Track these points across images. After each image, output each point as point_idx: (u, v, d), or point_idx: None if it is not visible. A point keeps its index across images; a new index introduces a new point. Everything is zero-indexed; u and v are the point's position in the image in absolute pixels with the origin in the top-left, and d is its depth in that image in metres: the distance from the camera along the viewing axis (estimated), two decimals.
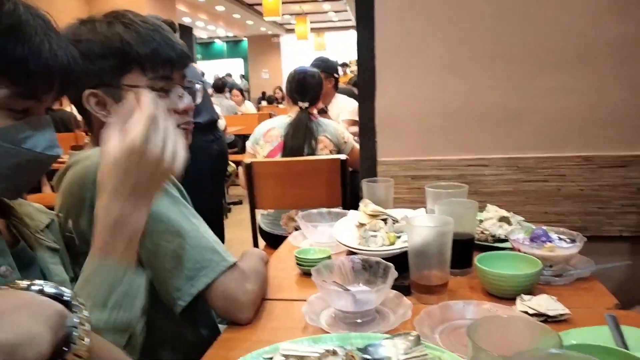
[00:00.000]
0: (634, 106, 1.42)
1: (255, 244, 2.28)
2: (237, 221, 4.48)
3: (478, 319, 0.53)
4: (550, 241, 1.07)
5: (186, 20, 12.17)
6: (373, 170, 1.56)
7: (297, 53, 16.00)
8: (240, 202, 5.24)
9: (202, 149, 3.25)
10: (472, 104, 1.49)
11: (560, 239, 1.09)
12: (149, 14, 2.20)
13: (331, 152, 2.34)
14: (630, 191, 1.46)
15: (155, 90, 0.91)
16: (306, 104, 2.34)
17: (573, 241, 1.08)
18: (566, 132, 1.46)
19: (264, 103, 8.17)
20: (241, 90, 7.39)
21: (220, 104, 5.64)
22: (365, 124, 1.55)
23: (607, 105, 1.43)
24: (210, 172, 3.00)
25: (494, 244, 1.21)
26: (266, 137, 2.40)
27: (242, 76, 13.41)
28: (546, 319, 0.86)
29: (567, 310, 0.87)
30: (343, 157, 2.09)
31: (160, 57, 0.91)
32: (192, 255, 0.86)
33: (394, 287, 0.98)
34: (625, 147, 1.44)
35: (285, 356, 0.72)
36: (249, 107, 7.14)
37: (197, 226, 0.90)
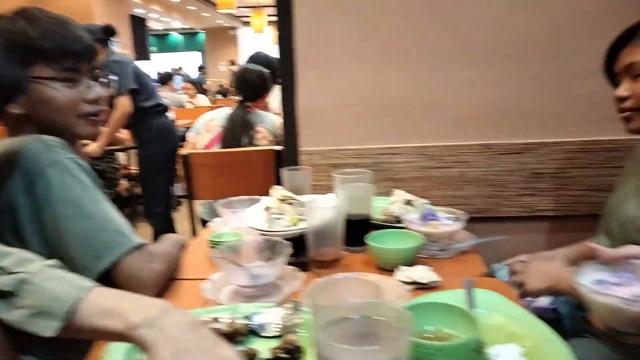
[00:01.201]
0: (527, 99, 1.57)
1: (195, 234, 2.35)
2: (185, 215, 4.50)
3: (318, 280, 0.63)
4: (436, 220, 1.20)
5: (139, 12, 11.89)
6: (296, 160, 1.66)
7: (255, 46, 15.87)
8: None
9: (169, 130, 3.34)
10: (384, 96, 1.60)
11: (446, 217, 1.22)
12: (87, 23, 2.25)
13: (270, 143, 2.43)
14: (525, 175, 1.62)
15: (61, 81, 0.97)
16: (240, 98, 2.45)
17: (457, 219, 1.21)
18: (468, 121, 1.60)
19: (219, 97, 8.14)
20: (192, 83, 7.34)
21: (166, 97, 5.61)
22: (288, 116, 1.63)
23: (504, 97, 1.57)
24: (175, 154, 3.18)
25: (396, 224, 1.33)
26: (207, 127, 2.48)
27: (200, 68, 13.17)
28: (420, 286, 0.98)
29: (438, 278, 0.99)
30: (277, 148, 2.19)
31: (65, 50, 0.97)
32: (99, 236, 0.93)
33: (294, 264, 1.08)
34: (520, 136, 1.59)
35: None
36: (201, 100, 7.10)
37: (106, 210, 0.96)
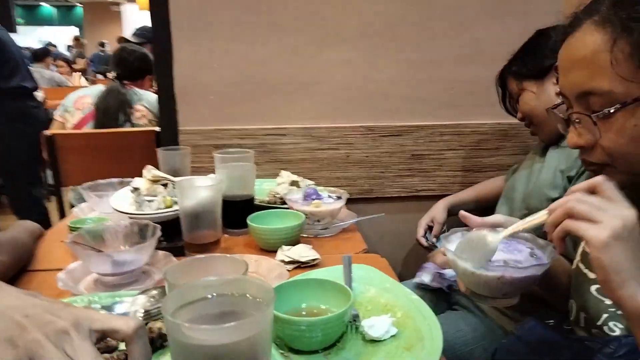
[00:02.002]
0: (405, 82, 1.62)
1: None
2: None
3: (179, 260, 0.57)
4: (319, 198, 1.19)
5: None
6: (175, 140, 1.55)
7: (142, 24, 14.83)
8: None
9: (28, 115, 2.95)
10: (267, 74, 1.55)
11: (329, 196, 1.22)
12: None
13: (150, 123, 2.26)
14: (406, 157, 1.68)
15: None
16: (114, 74, 2.27)
17: (340, 198, 1.21)
18: (351, 103, 1.61)
19: (99, 77, 7.45)
20: (67, 61, 6.63)
21: (41, 75, 5.01)
22: (165, 92, 1.52)
23: (384, 80, 1.61)
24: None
25: (281, 206, 1.30)
26: (77, 104, 2.24)
27: (73, 44, 11.71)
28: (300, 265, 0.96)
29: (317, 256, 0.98)
30: (158, 129, 2.04)
31: None
32: None
33: (167, 249, 1.00)
34: (400, 118, 1.65)
35: None
36: (78, 79, 6.45)
37: None
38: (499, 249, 0.70)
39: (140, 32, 2.96)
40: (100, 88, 2.29)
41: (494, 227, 0.76)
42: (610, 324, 0.73)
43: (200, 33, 1.50)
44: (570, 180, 1.11)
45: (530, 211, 1.17)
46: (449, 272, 1.27)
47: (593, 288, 0.77)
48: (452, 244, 0.74)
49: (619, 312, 0.71)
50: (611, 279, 0.54)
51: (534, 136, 1.31)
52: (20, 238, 0.98)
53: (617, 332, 0.72)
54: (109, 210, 1.22)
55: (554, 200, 0.95)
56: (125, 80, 2.28)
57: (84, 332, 0.42)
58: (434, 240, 1.47)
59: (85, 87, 2.43)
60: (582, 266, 0.80)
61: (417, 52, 1.61)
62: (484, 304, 1.13)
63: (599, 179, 0.58)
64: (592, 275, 0.77)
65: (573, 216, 0.57)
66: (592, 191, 0.58)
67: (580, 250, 0.83)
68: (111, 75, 2.26)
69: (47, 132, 1.98)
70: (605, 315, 0.74)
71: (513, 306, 0.75)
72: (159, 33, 1.46)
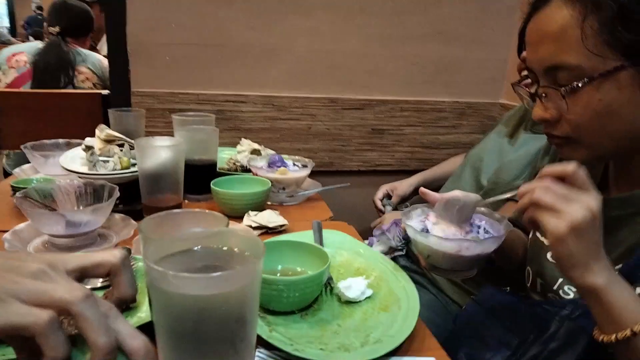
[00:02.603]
0: (368, 55, 1.62)
1: None
2: None
3: (153, 215, 0.53)
4: (285, 166, 1.16)
5: None
6: (127, 102, 1.46)
7: None
8: None
9: None
10: (228, 38, 1.49)
11: (294, 164, 1.19)
12: None
13: (95, 87, 2.11)
14: (366, 131, 1.69)
15: None
16: (57, 29, 2.06)
17: (305, 167, 1.19)
18: (314, 73, 1.59)
19: (31, 39, 6.87)
20: None
21: None
22: (116, 50, 1.42)
23: (347, 51, 1.60)
24: None
25: (242, 174, 1.25)
26: (11, 62, 2.04)
27: None
28: (267, 230, 0.94)
29: (285, 222, 0.96)
30: (105, 92, 1.90)
31: None
32: None
33: (125, 212, 0.94)
34: (362, 92, 1.64)
35: None
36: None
37: None
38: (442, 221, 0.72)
39: None
40: (36, 45, 2.09)
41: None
42: (565, 287, 0.76)
43: None
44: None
45: (499, 183, 1.21)
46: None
47: (549, 255, 0.80)
48: (412, 220, 0.74)
49: None
50: (563, 263, 0.58)
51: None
52: None
53: (571, 295, 0.76)
54: (56, 172, 1.13)
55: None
56: (68, 37, 2.10)
57: (60, 271, 0.37)
58: (389, 208, 1.49)
59: (19, 43, 2.21)
60: (538, 234, 0.83)
61: (383, 27, 1.60)
62: (444, 277, 1.16)
63: (570, 167, 0.59)
64: (548, 243, 0.80)
65: (538, 205, 0.59)
66: (562, 178, 0.60)
67: None
68: (53, 29, 2.06)
69: None
70: (560, 280, 0.77)
71: (470, 278, 0.76)
72: None
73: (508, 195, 0.68)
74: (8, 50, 2.08)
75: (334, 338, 0.61)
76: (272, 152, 1.39)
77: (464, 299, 1.22)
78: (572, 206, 0.57)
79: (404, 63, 1.66)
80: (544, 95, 0.69)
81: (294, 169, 1.17)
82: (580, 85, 0.63)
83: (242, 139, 1.40)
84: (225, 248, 0.47)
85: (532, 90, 0.73)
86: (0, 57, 2.06)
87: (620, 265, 0.66)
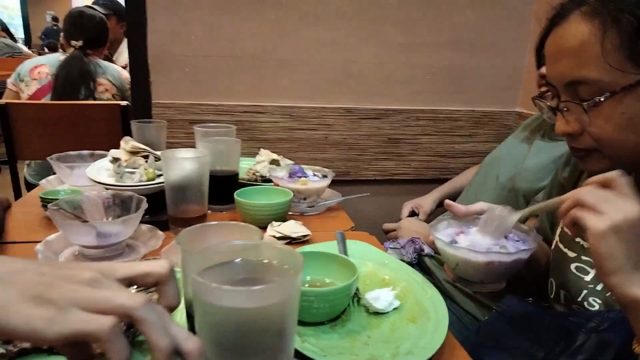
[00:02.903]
0: (383, 64, 1.62)
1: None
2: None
3: (189, 228, 0.54)
4: (305, 176, 1.17)
5: None
6: (147, 113, 1.48)
7: None
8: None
9: None
10: (246, 49, 1.51)
11: (314, 175, 1.20)
12: None
13: (114, 97, 2.15)
14: (382, 141, 1.69)
15: None
16: (80, 43, 2.10)
17: (325, 177, 1.20)
18: (331, 84, 1.60)
19: (46, 50, 6.99)
20: (5, 30, 6.18)
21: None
22: (137, 62, 1.44)
23: (362, 61, 1.61)
24: None
25: (262, 184, 1.27)
26: (33, 74, 2.08)
27: None
28: (291, 240, 0.95)
29: (308, 232, 0.97)
30: (124, 103, 1.94)
31: None
32: None
33: (151, 223, 0.96)
34: (378, 101, 1.66)
35: None
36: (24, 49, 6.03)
37: None
38: (484, 235, 0.73)
39: (107, 2, 2.79)
40: (57, 57, 2.14)
41: (478, 214, 0.78)
42: (590, 299, 0.76)
43: (177, 2, 1.44)
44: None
45: (515, 190, 1.21)
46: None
47: (573, 266, 0.80)
48: (439, 232, 0.75)
49: (598, 287, 0.75)
50: (603, 265, 0.58)
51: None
52: None
53: (596, 307, 0.75)
54: (82, 182, 1.15)
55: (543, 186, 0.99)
56: (89, 50, 2.14)
57: (112, 279, 0.39)
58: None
59: (42, 55, 2.26)
60: (561, 246, 0.83)
61: (397, 35, 1.61)
62: (471, 289, 1.16)
63: (613, 174, 0.60)
64: (572, 254, 0.80)
65: (581, 205, 0.60)
66: (605, 185, 0.61)
67: (558, 231, 0.86)
68: (76, 43, 2.11)
69: (0, 102, 1.84)
70: (585, 292, 0.77)
71: (495, 292, 0.77)
72: (133, 2, 1.38)
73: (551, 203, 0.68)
74: (30, 63, 2.13)
75: (364, 349, 0.62)
76: (291, 162, 1.41)
77: (478, 311, 1.22)
78: (613, 208, 0.57)
79: (419, 72, 1.66)
80: (565, 109, 0.69)
81: (314, 179, 1.18)
82: (602, 99, 0.64)
83: (261, 149, 1.42)
84: (265, 261, 0.49)
85: (553, 104, 0.73)
86: (23, 69, 2.11)
87: None
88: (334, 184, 1.24)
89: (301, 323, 0.66)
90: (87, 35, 2.15)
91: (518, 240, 0.75)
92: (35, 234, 0.91)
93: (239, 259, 0.48)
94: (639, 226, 0.58)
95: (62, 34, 2.30)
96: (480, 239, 0.71)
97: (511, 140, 1.38)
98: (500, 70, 1.71)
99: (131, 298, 0.36)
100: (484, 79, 1.70)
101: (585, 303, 0.77)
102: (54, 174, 1.22)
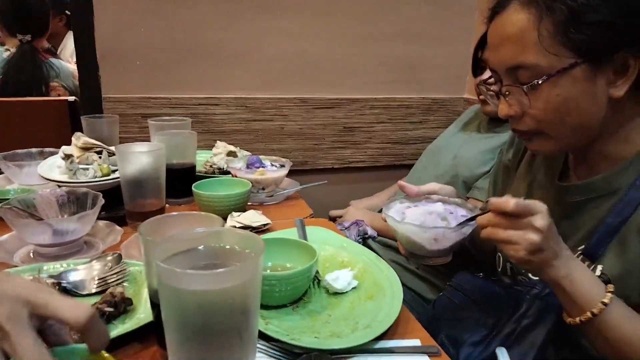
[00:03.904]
0: (338, 54, 1.65)
1: None
2: None
3: (150, 219, 0.55)
4: (263, 167, 1.19)
5: None
6: (98, 108, 1.45)
7: None
8: None
9: None
10: (198, 40, 1.49)
11: (272, 165, 1.22)
12: None
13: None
14: (338, 129, 1.73)
15: None
16: (28, 37, 1.97)
17: (283, 166, 1.22)
18: (286, 74, 1.61)
19: None
20: None
21: None
22: (84, 55, 1.40)
23: (317, 51, 1.63)
24: None
25: (219, 176, 1.27)
26: None
27: None
28: (251, 230, 0.97)
29: (268, 221, 0.99)
30: (72, 98, 1.87)
31: None
32: None
33: (108, 218, 0.95)
34: (333, 91, 1.68)
35: None
36: None
37: None
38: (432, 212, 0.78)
39: None
40: (1, 53, 2.00)
41: (430, 194, 0.83)
42: None
43: None
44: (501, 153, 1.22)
45: (456, 176, 1.28)
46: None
47: None
48: (391, 210, 0.79)
49: None
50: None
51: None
52: None
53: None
54: (32, 181, 1.12)
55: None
56: (35, 40, 2.00)
57: (22, 324, 0.40)
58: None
59: None
60: None
61: (351, 27, 1.64)
62: (421, 263, 1.21)
63: (509, 205, 0.63)
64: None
65: (496, 240, 0.67)
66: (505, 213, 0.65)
67: None
68: (23, 37, 1.94)
69: None
70: None
71: (444, 265, 0.82)
72: None
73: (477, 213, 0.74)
74: None
75: (325, 327, 0.65)
76: (248, 153, 1.41)
77: (428, 289, 1.28)
78: (524, 234, 0.63)
79: (372, 62, 1.70)
80: (507, 93, 0.74)
81: (272, 169, 1.20)
82: (539, 82, 0.69)
83: (217, 141, 1.42)
84: (227, 246, 0.50)
85: (496, 88, 0.79)
86: None
87: (582, 247, 0.73)
88: (292, 173, 1.26)
89: (264, 307, 0.68)
90: (36, 24, 1.97)
91: (464, 216, 0.80)
92: None
93: (202, 246, 0.50)
94: (550, 230, 0.64)
95: None
96: (428, 217, 0.76)
97: (451, 129, 1.46)
98: (448, 60, 1.77)
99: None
100: (434, 68, 1.77)
101: (529, 273, 0.83)
102: (1, 173, 1.18)
